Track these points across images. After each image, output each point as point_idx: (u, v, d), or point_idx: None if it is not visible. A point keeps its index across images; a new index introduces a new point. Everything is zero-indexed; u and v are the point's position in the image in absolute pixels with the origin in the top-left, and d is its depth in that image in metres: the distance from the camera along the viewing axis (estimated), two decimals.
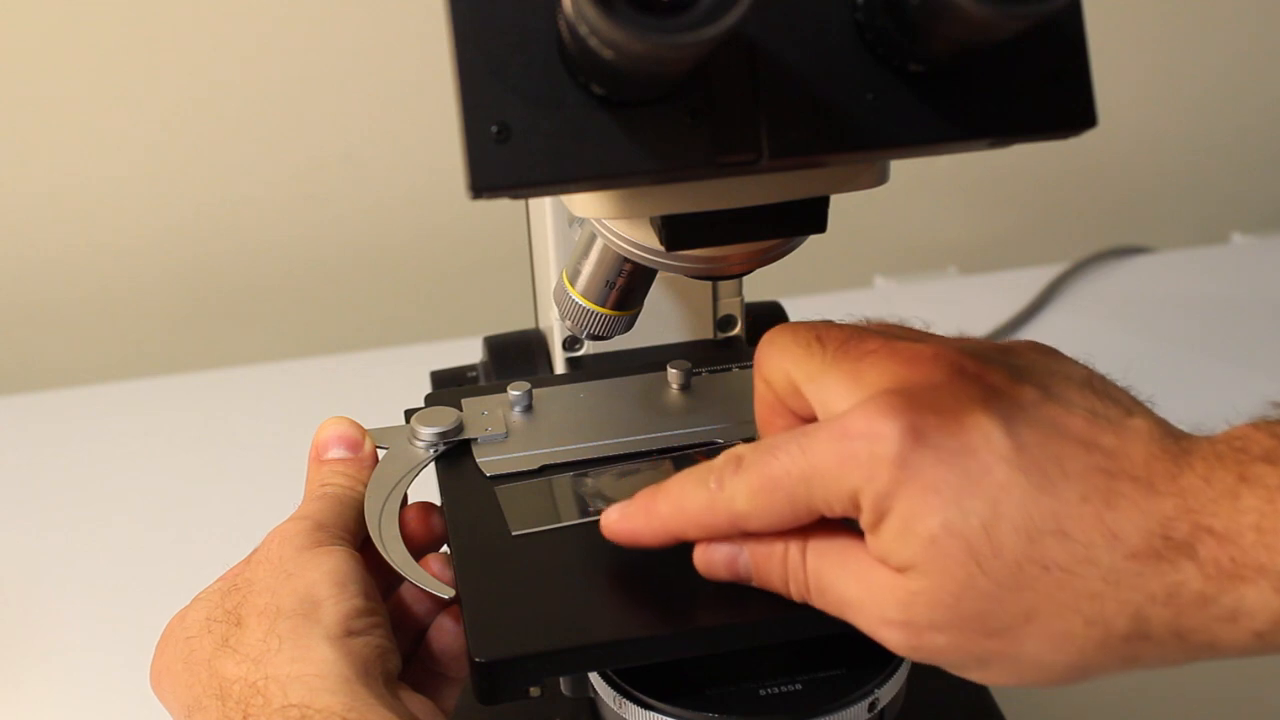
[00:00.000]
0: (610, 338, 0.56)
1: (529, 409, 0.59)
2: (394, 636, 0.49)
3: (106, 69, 1.05)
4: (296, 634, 0.46)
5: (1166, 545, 0.40)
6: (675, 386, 0.60)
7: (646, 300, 0.56)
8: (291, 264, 1.15)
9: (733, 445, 0.46)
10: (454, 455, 0.56)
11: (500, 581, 0.49)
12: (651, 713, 0.48)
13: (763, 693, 0.48)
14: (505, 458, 0.56)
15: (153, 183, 1.11)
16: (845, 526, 0.43)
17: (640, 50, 0.34)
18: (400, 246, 1.16)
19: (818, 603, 0.44)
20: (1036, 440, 0.41)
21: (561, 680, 0.51)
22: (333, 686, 0.45)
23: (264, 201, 1.13)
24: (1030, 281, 1.11)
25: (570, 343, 0.66)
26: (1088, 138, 0.42)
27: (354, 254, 1.16)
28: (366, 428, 0.56)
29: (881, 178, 0.47)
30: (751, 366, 0.48)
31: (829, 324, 0.47)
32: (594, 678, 0.50)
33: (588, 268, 0.54)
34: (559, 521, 0.52)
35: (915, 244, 1.27)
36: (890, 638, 0.43)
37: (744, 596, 0.47)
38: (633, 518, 0.47)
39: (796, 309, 0.72)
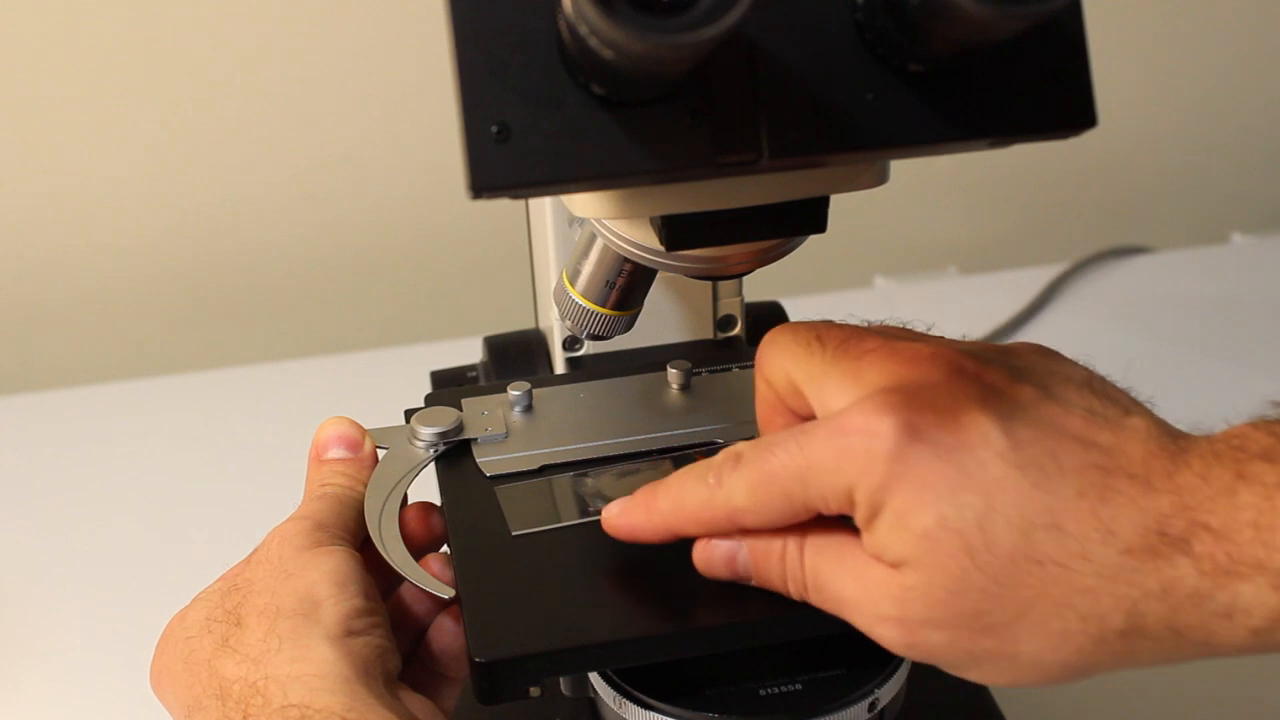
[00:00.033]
0: (610, 338, 0.56)
1: (529, 409, 0.59)
2: (394, 636, 0.49)
3: (106, 69, 1.05)
4: (296, 634, 0.46)
5: (1162, 541, 0.40)
6: (675, 386, 0.60)
7: (646, 300, 0.56)
8: (291, 264, 1.15)
9: (733, 445, 0.46)
10: (454, 455, 0.56)
11: (500, 581, 0.49)
12: (651, 713, 0.48)
13: (763, 693, 0.48)
14: (505, 458, 0.56)
15: (153, 183, 1.11)
16: (843, 524, 0.43)
17: (640, 50, 0.34)
18: (400, 246, 1.16)
19: (815, 600, 0.45)
20: (1033, 438, 0.41)
21: (561, 680, 0.51)
22: (332, 686, 0.45)
23: (264, 201, 1.13)
24: (1030, 281, 1.11)
25: (570, 343, 0.66)
26: (1088, 138, 0.42)
27: (354, 254, 1.16)
28: (366, 428, 0.56)
29: (881, 178, 0.47)
30: (752, 366, 0.48)
31: (829, 324, 0.47)
32: (594, 678, 0.50)
33: (588, 268, 0.54)
34: (559, 521, 0.52)
35: (915, 244, 1.27)
36: (885, 635, 0.43)
37: (744, 596, 0.47)
38: (632, 513, 0.47)
39: (796, 309, 0.72)
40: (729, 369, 0.61)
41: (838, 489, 0.42)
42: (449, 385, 0.68)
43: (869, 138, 0.40)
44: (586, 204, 0.46)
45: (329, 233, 1.15)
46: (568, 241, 0.62)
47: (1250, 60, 1.27)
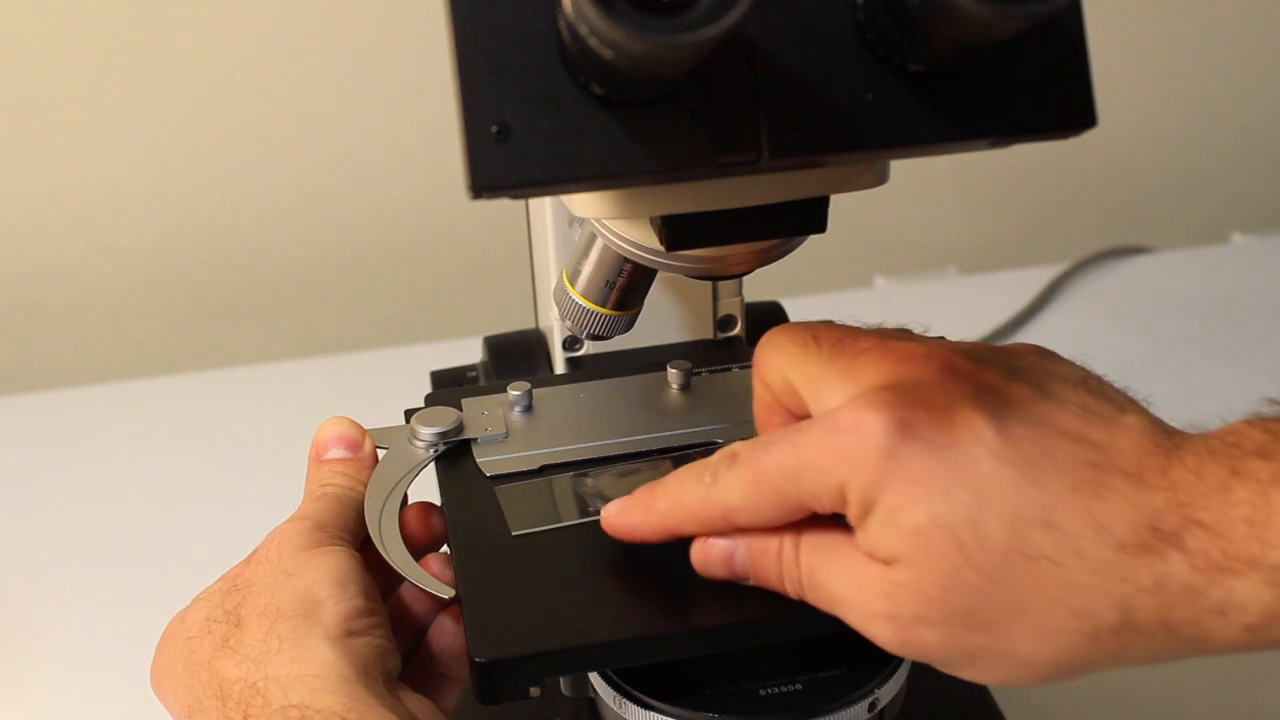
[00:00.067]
0: (610, 338, 0.56)
1: (529, 409, 0.59)
2: (394, 636, 0.49)
3: (106, 69, 1.05)
4: (296, 634, 0.46)
5: (1155, 537, 0.40)
6: (675, 386, 0.60)
7: (646, 300, 0.56)
8: (291, 264, 1.15)
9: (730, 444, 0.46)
10: (454, 455, 0.56)
11: (500, 581, 0.49)
12: (651, 713, 0.48)
13: (763, 693, 0.48)
14: (505, 458, 0.56)
15: (153, 183, 1.11)
16: (838, 523, 0.44)
17: (640, 50, 0.34)
18: (400, 246, 1.16)
19: (811, 598, 0.45)
20: (1026, 435, 0.41)
21: (561, 680, 0.51)
22: (333, 687, 0.45)
23: (264, 201, 1.13)
24: (1030, 281, 1.11)
25: (570, 343, 0.66)
26: (1088, 138, 0.42)
27: (354, 254, 1.16)
28: (366, 428, 0.56)
29: (881, 178, 0.47)
30: (751, 366, 0.48)
31: (825, 324, 0.47)
32: (594, 678, 0.50)
33: (588, 268, 0.54)
34: (559, 521, 0.52)
35: (915, 244, 1.27)
36: (879, 633, 0.43)
37: (743, 596, 0.47)
38: (631, 512, 0.47)
39: (796, 309, 0.72)
40: (729, 369, 0.61)
41: (830, 487, 0.42)
42: (449, 385, 0.68)
43: (869, 138, 0.41)
44: (586, 204, 0.46)
45: (329, 233, 1.15)
46: (568, 241, 0.62)
47: (1250, 60, 1.27)
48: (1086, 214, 1.29)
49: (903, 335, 0.47)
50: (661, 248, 0.47)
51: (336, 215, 1.14)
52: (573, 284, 0.55)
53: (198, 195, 1.11)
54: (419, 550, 0.53)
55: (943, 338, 0.54)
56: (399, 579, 0.52)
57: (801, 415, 0.46)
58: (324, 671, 0.45)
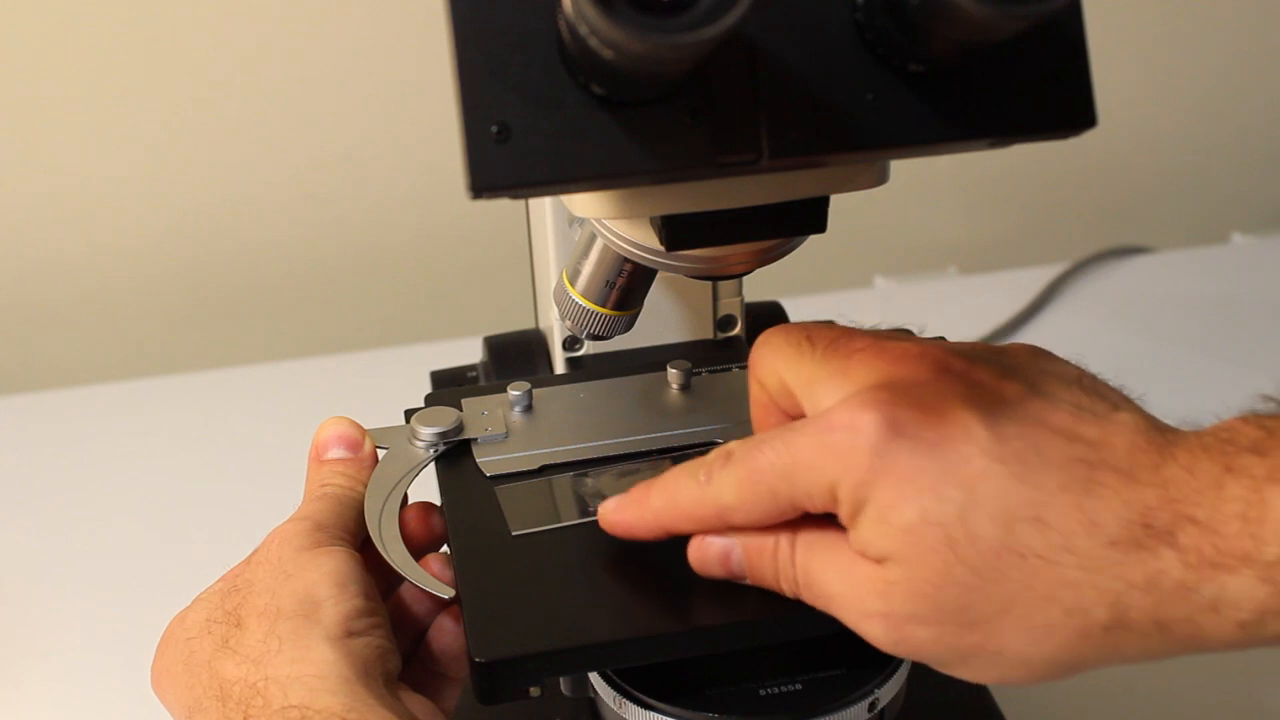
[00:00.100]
0: (610, 338, 0.56)
1: (529, 409, 0.59)
2: (394, 636, 0.49)
3: (106, 69, 1.05)
4: (296, 635, 0.46)
5: (1146, 534, 0.40)
6: (675, 386, 0.60)
7: (646, 300, 0.56)
8: (291, 264, 1.15)
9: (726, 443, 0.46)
10: (454, 455, 0.56)
11: (500, 581, 0.49)
12: (651, 713, 0.48)
13: (763, 693, 0.48)
14: (505, 458, 0.56)
15: (153, 183, 1.11)
16: (834, 522, 0.44)
17: (640, 50, 0.34)
18: (400, 246, 1.16)
19: (806, 597, 0.45)
20: (1017, 432, 0.41)
21: (561, 680, 0.51)
22: (333, 687, 0.45)
23: (264, 201, 1.13)
24: (1030, 281, 1.11)
25: (570, 343, 0.66)
26: (1088, 138, 0.42)
27: (354, 254, 1.16)
28: (366, 428, 0.56)
29: (881, 178, 0.47)
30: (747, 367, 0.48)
31: (821, 325, 0.47)
32: (594, 678, 0.50)
33: (588, 268, 0.54)
34: (559, 521, 0.52)
35: (915, 244, 1.27)
36: (872, 631, 0.43)
37: (743, 596, 0.47)
38: (627, 509, 0.48)
39: (796, 309, 0.72)
40: (729, 369, 0.61)
41: (822, 486, 0.42)
42: (449, 385, 0.68)
43: (869, 138, 0.41)
44: (586, 204, 0.46)
45: (329, 233, 1.15)
46: (568, 241, 0.62)
47: (1250, 60, 1.27)
48: (1086, 214, 1.29)
49: (898, 336, 0.47)
50: (661, 248, 0.47)
51: (336, 215, 1.14)
52: (573, 284, 0.55)
53: (198, 195, 1.11)
54: (419, 550, 0.53)
55: (942, 338, 0.54)
56: (399, 579, 0.52)
57: (797, 415, 0.46)
58: (324, 672, 0.45)
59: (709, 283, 0.66)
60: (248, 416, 1.00)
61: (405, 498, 0.55)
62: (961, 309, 1.08)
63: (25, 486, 0.93)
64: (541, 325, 0.70)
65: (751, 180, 0.44)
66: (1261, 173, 1.31)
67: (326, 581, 0.48)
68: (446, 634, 0.52)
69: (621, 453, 0.56)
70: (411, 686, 0.49)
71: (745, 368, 0.60)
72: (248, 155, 1.10)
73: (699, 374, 0.60)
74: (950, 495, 0.40)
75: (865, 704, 0.49)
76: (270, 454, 0.91)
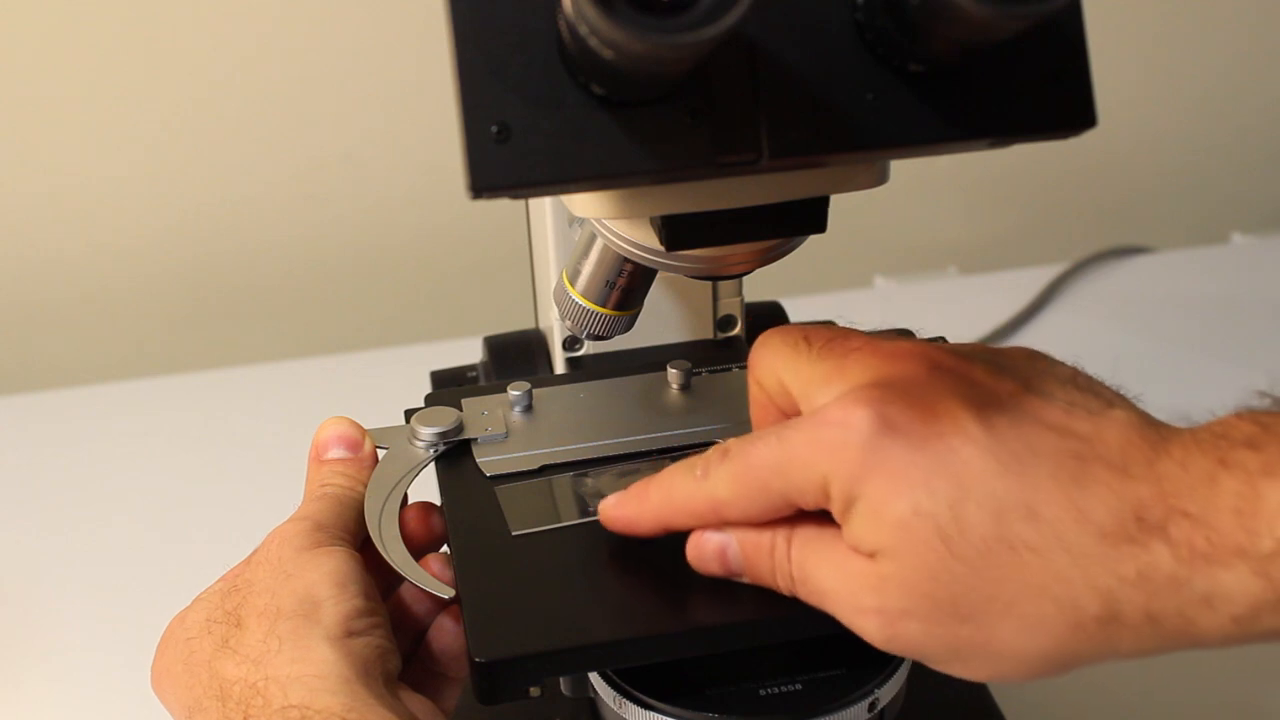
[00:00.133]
0: (610, 338, 0.56)
1: (529, 409, 0.59)
2: (394, 636, 0.49)
3: (106, 69, 1.05)
4: (296, 635, 0.46)
5: (1139, 527, 0.40)
6: (675, 386, 0.60)
7: (646, 300, 0.56)
8: (291, 264, 1.15)
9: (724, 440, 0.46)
10: (454, 455, 0.56)
11: (500, 581, 0.49)
12: (651, 713, 0.48)
13: (763, 693, 0.48)
14: (505, 458, 0.56)
15: (153, 183, 1.10)
16: (830, 520, 0.44)
17: (640, 50, 0.34)
18: (400, 246, 1.16)
19: (802, 594, 0.45)
20: (1009, 427, 0.41)
21: (561, 680, 0.51)
22: (333, 687, 0.45)
23: (264, 201, 1.13)
24: (1030, 281, 1.11)
25: (570, 343, 0.66)
26: (1088, 138, 0.42)
27: (354, 254, 1.16)
28: (366, 428, 0.56)
29: (881, 178, 0.47)
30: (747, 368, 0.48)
31: (819, 325, 0.48)
32: (594, 678, 0.50)
33: (588, 268, 0.54)
34: (559, 521, 0.52)
35: (915, 244, 1.27)
36: (866, 627, 0.43)
37: (743, 596, 0.47)
38: (626, 505, 0.48)
39: (796, 309, 0.72)
40: (729, 369, 0.61)
41: (814, 481, 0.42)
42: (449, 385, 0.68)
43: (869, 138, 0.41)
44: (586, 204, 0.46)
45: (329, 233, 1.15)
46: (568, 241, 0.62)
47: (1250, 60, 1.27)
48: (1086, 214, 1.29)
49: (895, 336, 0.47)
50: (661, 248, 0.47)
51: (336, 215, 1.14)
52: (573, 284, 0.55)
53: (198, 195, 1.11)
54: (419, 550, 0.53)
55: (942, 338, 0.54)
56: (399, 579, 0.52)
57: (794, 414, 0.46)
58: (324, 672, 0.45)
59: (709, 283, 0.66)
60: (248, 416, 1.00)
61: (405, 498, 0.55)
62: (961, 309, 1.08)
63: (25, 486, 0.93)
64: (541, 325, 0.70)
65: (751, 180, 0.44)
66: (1261, 173, 1.31)
67: (326, 581, 0.48)
68: (446, 634, 0.52)
69: (621, 453, 0.56)
70: (411, 686, 0.49)
71: (745, 368, 0.61)
72: (248, 155, 1.10)
73: (699, 374, 0.60)
74: (941, 488, 0.40)
75: (865, 704, 0.49)
76: (270, 454, 0.91)
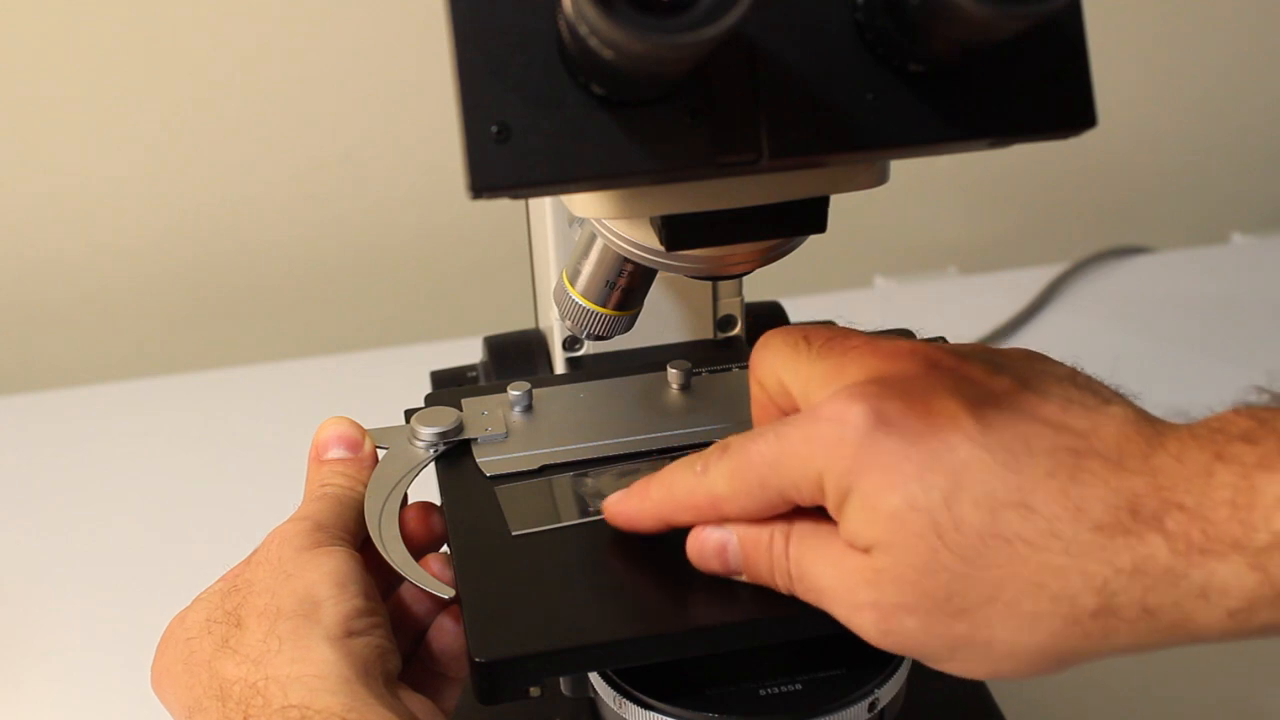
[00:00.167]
0: (610, 338, 0.56)
1: (529, 409, 0.59)
2: (394, 636, 0.49)
3: (106, 69, 1.05)
4: (296, 635, 0.46)
5: (1133, 519, 0.40)
6: (675, 386, 0.60)
7: (646, 300, 0.56)
8: (291, 264, 1.15)
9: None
10: (454, 455, 0.56)
11: (500, 581, 0.49)
12: (651, 713, 0.48)
13: (763, 693, 0.48)
14: (505, 458, 0.56)
15: (153, 183, 1.11)
16: (827, 518, 0.44)
17: (640, 50, 0.34)
18: (400, 246, 1.16)
19: (799, 591, 0.45)
20: (1004, 422, 0.41)
21: (561, 680, 0.51)
22: (333, 687, 0.45)
23: (264, 201, 1.13)
24: (1030, 281, 1.11)
25: (570, 343, 0.66)
26: (1088, 138, 0.42)
27: (354, 254, 1.16)
28: (366, 428, 0.56)
29: (881, 178, 0.47)
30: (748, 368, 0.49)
31: (819, 326, 0.48)
32: (594, 678, 0.50)
33: (588, 268, 0.54)
34: (559, 521, 0.52)
35: (915, 244, 1.27)
36: (862, 623, 0.43)
37: (743, 597, 0.47)
38: (629, 500, 0.49)
39: (796, 309, 0.72)
40: (729, 369, 0.61)
41: (809, 476, 0.43)
42: (449, 385, 0.68)
43: (869, 138, 0.41)
44: (586, 204, 0.46)
45: (329, 233, 1.15)
46: (568, 241, 0.62)
47: (1250, 60, 1.27)
48: (1086, 214, 1.29)
49: (897, 337, 0.47)
50: (661, 248, 0.47)
51: (336, 215, 1.14)
52: (573, 284, 0.55)
53: (198, 195, 1.11)
54: (419, 550, 0.53)
55: (942, 338, 0.54)
56: (399, 579, 0.52)
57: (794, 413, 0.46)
58: (324, 671, 0.45)
59: (709, 283, 0.66)
60: (248, 416, 1.00)
61: (405, 498, 0.55)
62: (961, 309, 1.08)
63: (25, 486, 0.93)
64: (541, 325, 0.70)
65: (751, 180, 0.44)
66: (1261, 173, 1.31)
67: (326, 581, 0.48)
68: (446, 634, 0.52)
69: (621, 453, 0.56)
70: (411, 686, 0.49)
71: (745, 368, 0.61)
72: (248, 155, 1.10)
73: (699, 374, 0.60)
74: (935, 482, 0.41)
75: (865, 704, 0.49)
76: (270, 454, 0.91)
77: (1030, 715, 0.66)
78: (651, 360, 0.63)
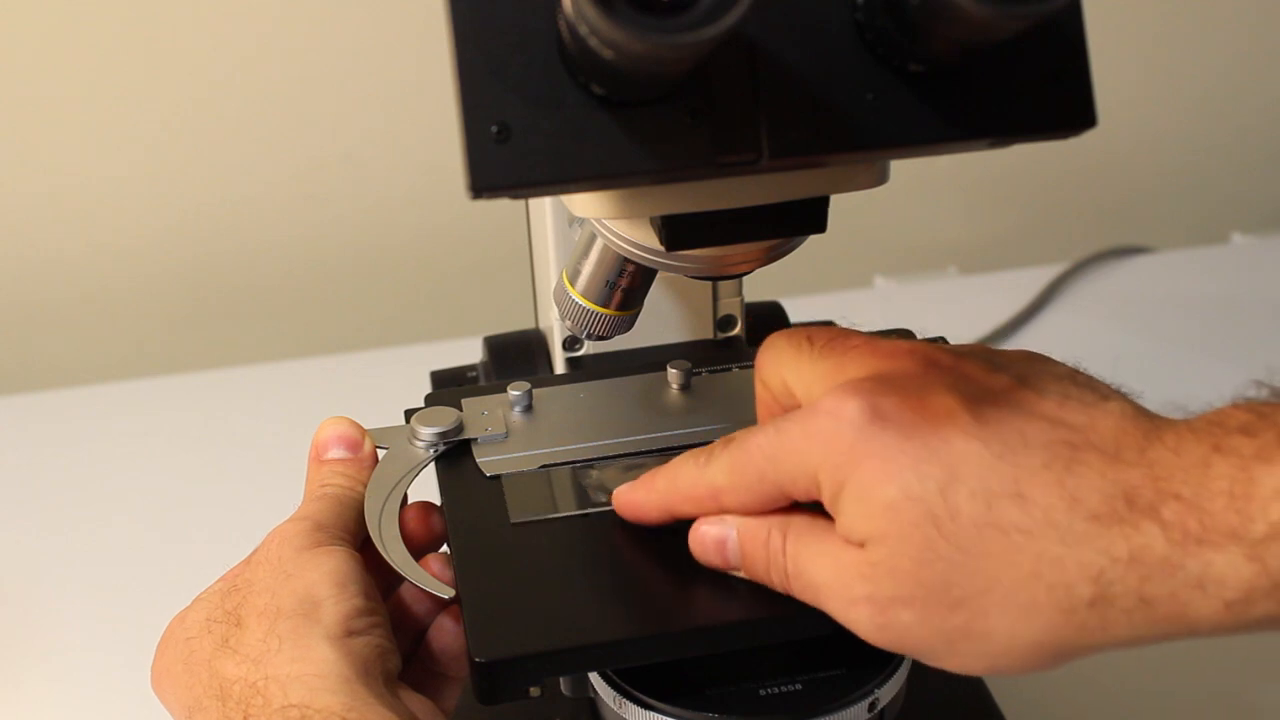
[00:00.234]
0: (611, 338, 0.56)
1: (529, 409, 0.59)
2: (394, 636, 0.50)
3: (106, 69, 1.05)
4: (296, 634, 0.46)
5: (1129, 508, 0.40)
6: (675, 386, 0.60)
7: (646, 300, 0.56)
8: (291, 264, 1.15)
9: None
10: (454, 455, 0.56)
11: (500, 581, 0.49)
12: (651, 713, 0.48)
13: (763, 693, 0.48)
14: (505, 458, 0.56)
15: (153, 183, 1.10)
16: (825, 515, 0.44)
17: (640, 50, 0.34)
18: (400, 246, 1.16)
19: (795, 589, 0.45)
20: (1001, 417, 0.42)
21: (561, 680, 0.51)
22: (333, 686, 0.45)
23: (264, 201, 1.13)
24: (1030, 281, 1.11)
25: (570, 343, 0.66)
26: (1088, 138, 0.42)
27: (354, 254, 1.16)
28: (366, 428, 0.56)
29: (881, 178, 0.47)
30: (752, 366, 0.49)
31: (822, 326, 0.48)
32: (594, 678, 0.50)
33: (588, 268, 0.54)
34: (558, 512, 0.52)
35: (915, 244, 1.27)
36: (858, 618, 0.43)
37: (743, 596, 0.47)
38: (635, 491, 0.49)
39: (796, 309, 0.72)
40: (729, 369, 0.61)
41: (805, 470, 0.43)
42: (449, 385, 0.68)
43: (869, 138, 0.41)
44: (586, 204, 0.46)
45: (329, 233, 1.15)
46: (568, 241, 0.62)
47: (1250, 60, 1.27)
48: (1086, 214, 1.29)
49: (897, 337, 0.48)
50: (661, 247, 0.47)
51: (336, 215, 1.14)
52: (573, 284, 0.55)
53: (198, 195, 1.11)
54: (419, 550, 0.53)
55: (942, 338, 0.54)
56: (399, 579, 0.52)
57: None
58: (324, 671, 0.45)
59: (709, 283, 0.66)
60: (248, 416, 1.00)
61: (405, 498, 0.55)
62: (961, 309, 1.08)
63: (25, 486, 0.93)
64: (541, 325, 0.70)
65: (751, 180, 0.44)
66: (1261, 173, 1.31)
67: (326, 581, 0.48)
68: (446, 634, 0.52)
69: (621, 453, 0.56)
70: (411, 686, 0.49)
71: (745, 368, 0.61)
72: (248, 155, 1.10)
73: (699, 374, 0.60)
74: (931, 473, 0.41)
75: (865, 704, 0.49)
76: (270, 454, 0.91)
77: (1030, 715, 0.66)
78: (651, 360, 0.63)
